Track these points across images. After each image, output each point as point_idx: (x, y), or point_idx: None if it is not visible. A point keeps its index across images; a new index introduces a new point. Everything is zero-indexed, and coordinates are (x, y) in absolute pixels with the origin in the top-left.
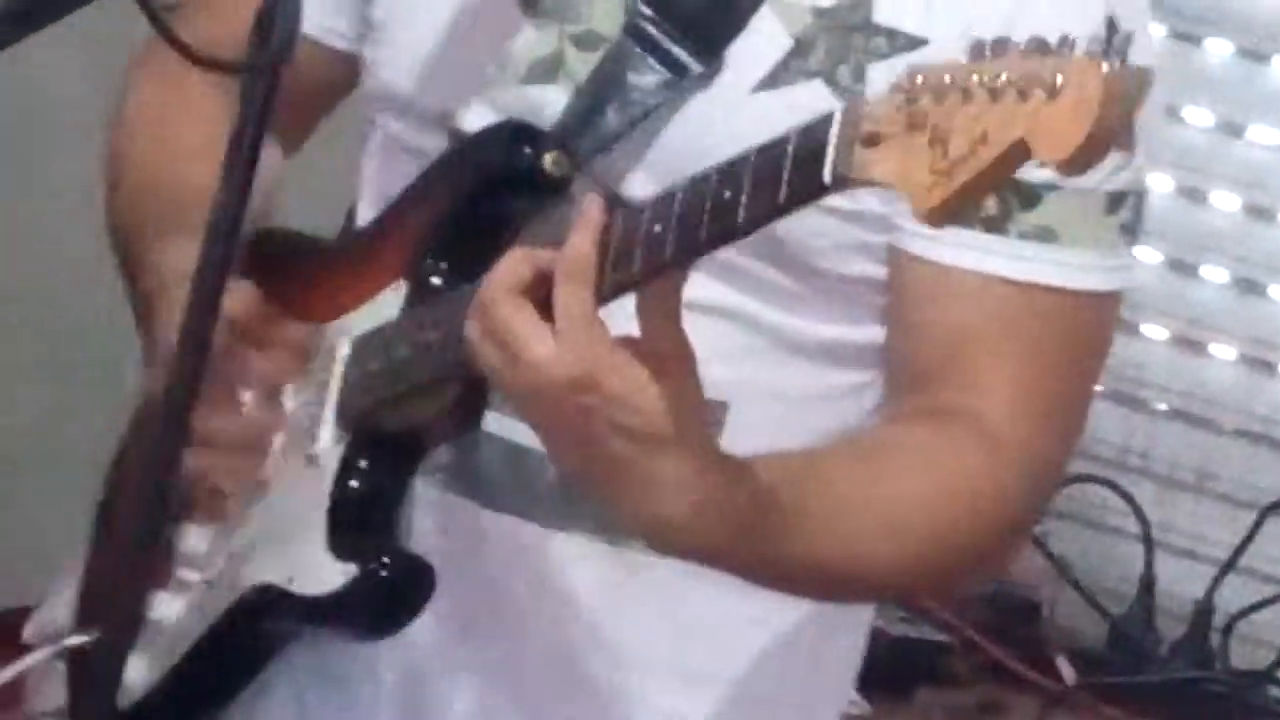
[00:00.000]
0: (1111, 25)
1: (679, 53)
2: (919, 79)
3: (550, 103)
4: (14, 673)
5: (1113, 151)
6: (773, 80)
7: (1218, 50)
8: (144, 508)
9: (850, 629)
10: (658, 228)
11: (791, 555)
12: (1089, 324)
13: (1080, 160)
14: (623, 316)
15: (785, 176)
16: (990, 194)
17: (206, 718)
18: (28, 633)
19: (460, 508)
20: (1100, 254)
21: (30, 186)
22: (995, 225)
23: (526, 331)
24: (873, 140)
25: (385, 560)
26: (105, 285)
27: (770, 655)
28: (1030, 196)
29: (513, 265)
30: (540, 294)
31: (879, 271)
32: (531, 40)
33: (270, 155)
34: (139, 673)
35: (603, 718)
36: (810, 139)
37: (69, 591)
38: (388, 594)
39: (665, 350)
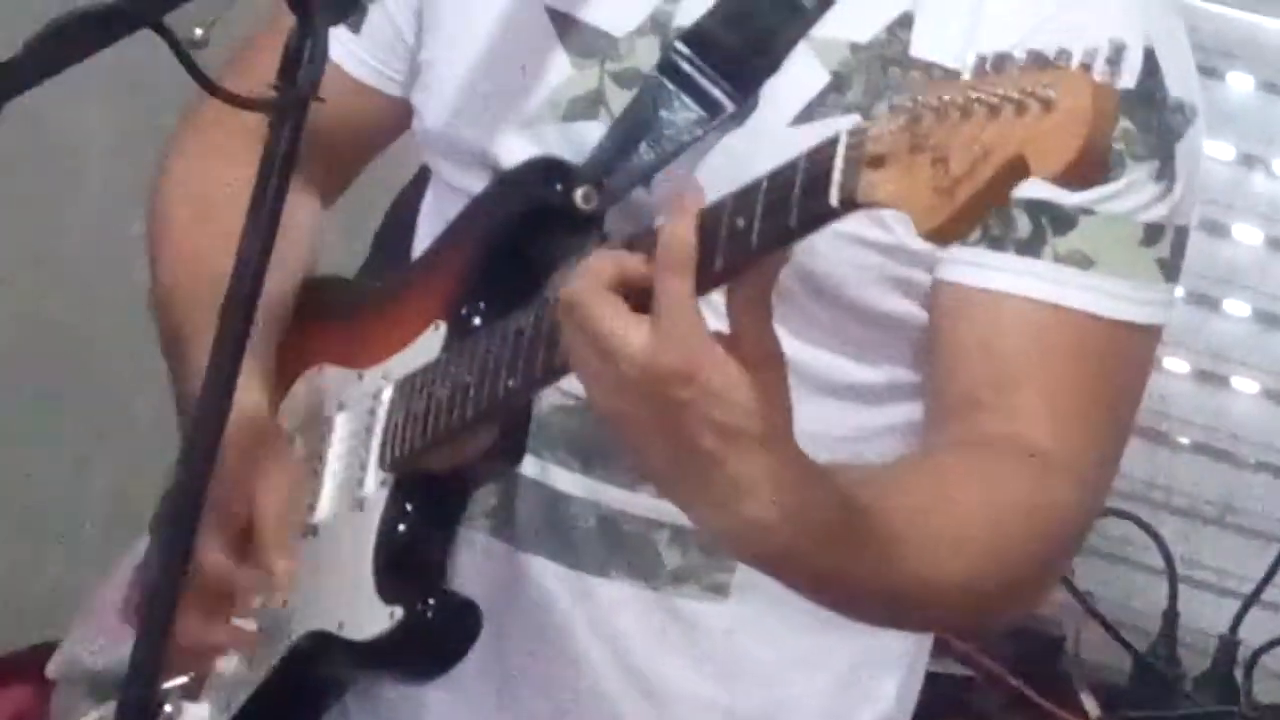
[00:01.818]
0: (1150, 56)
1: (714, 91)
2: (920, 99)
3: (591, 139)
4: None
5: (1149, 182)
6: (809, 114)
7: (1239, 84)
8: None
9: (902, 667)
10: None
11: (865, 565)
12: (1126, 354)
13: (1077, 173)
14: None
15: (794, 201)
16: (991, 211)
17: None
18: (51, 669)
19: (502, 553)
20: (1137, 285)
21: (51, 226)
22: (1028, 248)
23: (621, 324)
24: (878, 162)
25: (431, 602)
26: (126, 325)
27: (820, 696)
28: (1065, 220)
29: (598, 263)
30: (626, 292)
31: (913, 309)
32: (572, 78)
33: (309, 206)
34: None
35: None
36: (817, 163)
37: (91, 628)
38: (434, 635)
39: (757, 349)
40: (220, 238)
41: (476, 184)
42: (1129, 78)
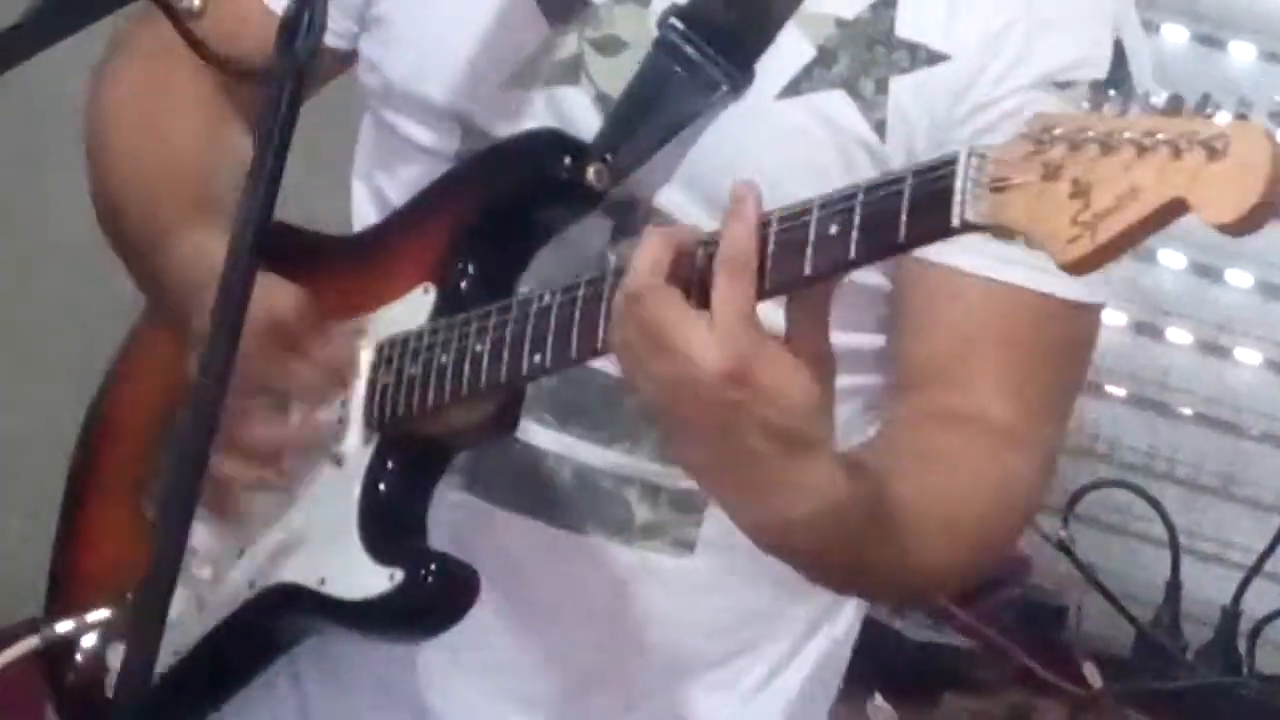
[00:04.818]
0: (1119, 46)
1: (710, 66)
2: (1056, 129)
3: (571, 104)
4: (4, 661)
5: None
6: (795, 87)
7: (1241, 54)
8: (174, 502)
9: (846, 613)
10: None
11: (881, 555)
12: (1078, 331)
13: (1246, 224)
14: None
15: (904, 217)
16: (1134, 248)
17: (207, 711)
18: None
19: (475, 507)
20: None
21: (38, 188)
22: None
23: (682, 322)
24: (1000, 186)
25: (433, 566)
26: (107, 299)
27: (779, 641)
28: None
29: (655, 250)
30: (682, 277)
31: (877, 279)
32: (551, 41)
33: (237, 145)
34: None
35: (610, 715)
36: (932, 181)
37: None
38: (434, 599)
39: (811, 353)
40: (169, 143)
41: (447, 143)
42: (1101, 69)
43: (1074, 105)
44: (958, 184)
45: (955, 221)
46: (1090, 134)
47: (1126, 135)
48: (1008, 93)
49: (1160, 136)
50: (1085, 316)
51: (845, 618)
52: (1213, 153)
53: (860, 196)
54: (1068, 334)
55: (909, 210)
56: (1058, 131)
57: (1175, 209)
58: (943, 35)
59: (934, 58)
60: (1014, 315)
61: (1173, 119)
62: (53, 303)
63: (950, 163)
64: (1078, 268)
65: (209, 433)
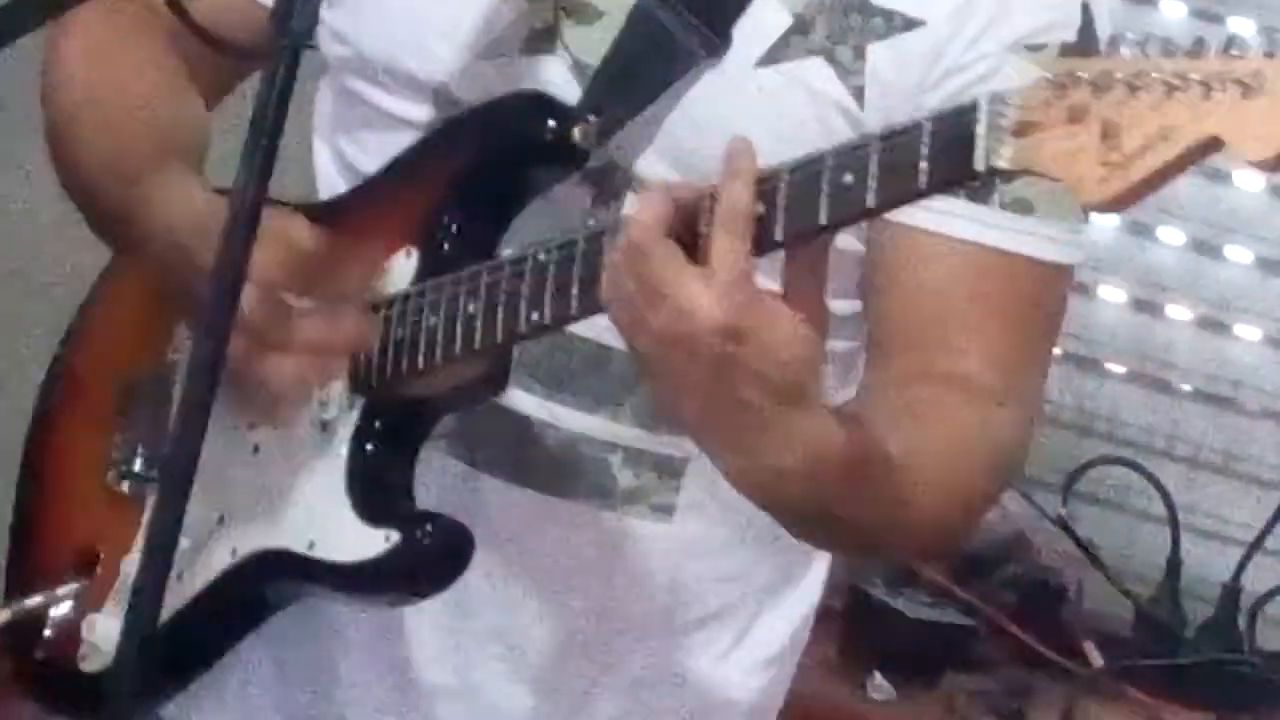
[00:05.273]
0: (1086, 9)
1: (687, 33)
2: (1080, 72)
3: (548, 73)
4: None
5: None
6: (774, 56)
7: (1240, 29)
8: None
9: (813, 573)
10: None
11: (859, 507)
12: (1055, 291)
13: None
14: None
15: (923, 164)
16: (1165, 186)
17: (185, 681)
18: None
19: (459, 473)
20: (1067, 228)
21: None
22: (980, 195)
23: (681, 277)
24: (1022, 130)
25: (428, 526)
26: (74, 273)
27: (748, 603)
28: None
29: (656, 205)
30: (679, 232)
31: (854, 245)
32: (526, 11)
33: (195, 107)
34: (110, 635)
35: (591, 678)
36: (952, 127)
37: None
38: (430, 559)
39: (807, 309)
40: (129, 97)
41: (418, 113)
42: (1071, 31)
43: (1046, 68)
44: (980, 129)
45: (980, 166)
46: (1116, 76)
47: (1154, 75)
48: (980, 57)
49: (1192, 76)
50: (1059, 277)
51: (811, 577)
52: (1247, 90)
53: (876, 144)
54: (1042, 294)
55: (930, 157)
56: (1082, 75)
57: (1209, 147)
58: (915, 1)
59: (909, 23)
60: (989, 276)
61: (1200, 59)
62: (12, 278)
63: (971, 109)
64: (1112, 205)
65: (207, 405)
